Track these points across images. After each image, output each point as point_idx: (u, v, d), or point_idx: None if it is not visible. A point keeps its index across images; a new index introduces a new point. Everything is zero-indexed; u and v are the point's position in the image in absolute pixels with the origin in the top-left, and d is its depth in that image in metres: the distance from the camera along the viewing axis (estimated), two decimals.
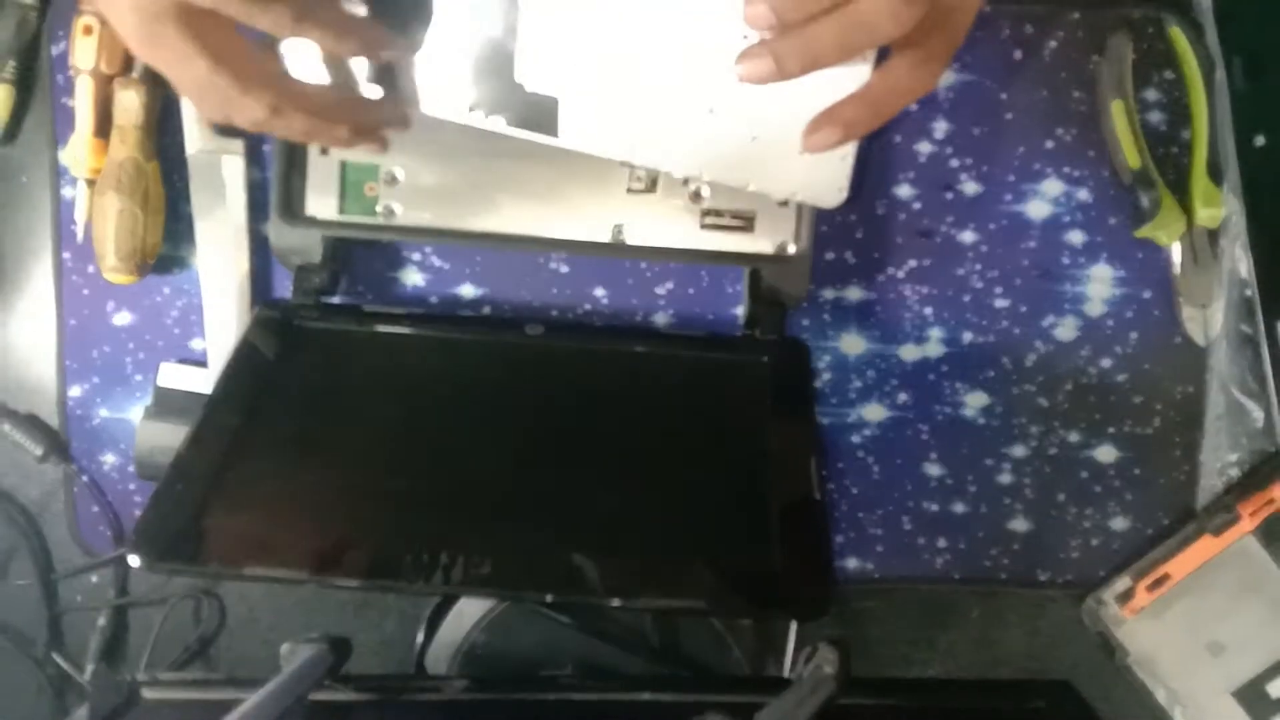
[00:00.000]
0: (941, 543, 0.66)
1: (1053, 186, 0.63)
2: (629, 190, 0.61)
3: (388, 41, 0.47)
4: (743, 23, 0.40)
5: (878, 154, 0.63)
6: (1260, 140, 0.61)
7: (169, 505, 0.51)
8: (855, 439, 0.65)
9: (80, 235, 0.63)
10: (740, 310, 0.64)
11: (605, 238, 0.62)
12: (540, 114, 0.49)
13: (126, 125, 0.60)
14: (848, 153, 0.49)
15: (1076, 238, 0.64)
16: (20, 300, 0.66)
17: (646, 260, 0.64)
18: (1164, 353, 0.65)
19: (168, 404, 0.64)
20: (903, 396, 0.65)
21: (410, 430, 0.57)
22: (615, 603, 0.48)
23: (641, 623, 0.63)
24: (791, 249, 0.62)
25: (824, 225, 0.63)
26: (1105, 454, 0.65)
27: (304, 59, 0.49)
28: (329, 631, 0.54)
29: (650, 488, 0.55)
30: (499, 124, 0.50)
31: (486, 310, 0.65)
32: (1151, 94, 0.63)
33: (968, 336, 0.65)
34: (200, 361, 0.65)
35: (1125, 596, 0.65)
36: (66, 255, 0.64)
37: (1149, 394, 0.65)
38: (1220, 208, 0.62)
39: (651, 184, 0.61)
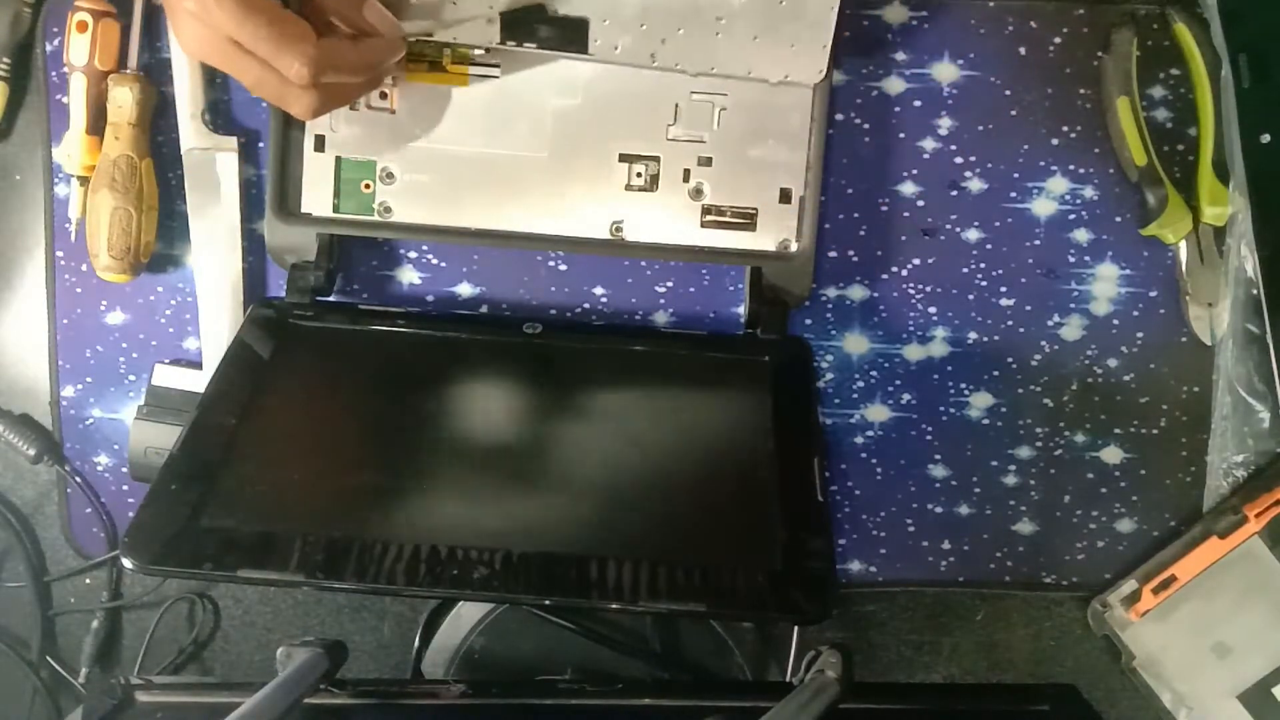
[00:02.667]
0: (946, 545, 0.66)
1: (1058, 184, 0.63)
2: (628, 187, 0.61)
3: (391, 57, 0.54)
4: None
5: (881, 151, 0.63)
6: (1266, 138, 0.60)
7: (162, 507, 0.50)
8: (858, 440, 0.65)
9: (74, 233, 0.62)
10: (741, 309, 0.64)
11: (604, 235, 0.61)
12: (569, 37, 0.57)
13: (120, 122, 0.60)
14: (827, 41, 0.58)
15: (1082, 236, 0.63)
16: (13, 299, 0.65)
17: (646, 258, 0.63)
18: (1170, 352, 0.64)
19: (161, 404, 0.63)
20: (906, 397, 0.65)
21: (407, 431, 0.57)
22: (615, 606, 0.48)
23: (642, 626, 0.63)
24: (793, 247, 0.61)
25: (826, 223, 0.63)
26: (1111, 455, 0.65)
27: None
28: (325, 635, 0.53)
29: (650, 489, 0.54)
30: (531, 47, 0.57)
31: (484, 309, 0.65)
32: (1157, 91, 0.62)
33: (972, 336, 0.64)
34: (194, 361, 0.64)
35: (1131, 599, 0.65)
36: (60, 253, 0.64)
37: (1155, 394, 0.64)
38: (1226, 205, 0.62)
39: (651, 181, 0.61)
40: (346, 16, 0.51)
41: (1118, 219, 0.63)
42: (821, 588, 0.49)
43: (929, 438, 0.65)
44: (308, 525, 0.50)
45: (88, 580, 0.67)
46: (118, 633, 0.68)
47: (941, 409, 0.65)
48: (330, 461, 0.55)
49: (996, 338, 0.64)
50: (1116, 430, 0.65)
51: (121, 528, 0.66)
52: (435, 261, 0.64)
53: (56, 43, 0.62)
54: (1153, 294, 0.64)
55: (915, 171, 0.63)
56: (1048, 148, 0.63)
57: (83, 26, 0.59)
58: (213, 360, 0.62)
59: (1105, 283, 0.64)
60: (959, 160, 0.63)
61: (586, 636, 0.62)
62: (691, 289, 0.64)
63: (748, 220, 0.61)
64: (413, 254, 0.64)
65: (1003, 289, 0.64)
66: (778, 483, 0.54)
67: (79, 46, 0.60)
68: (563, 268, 0.64)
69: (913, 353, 0.64)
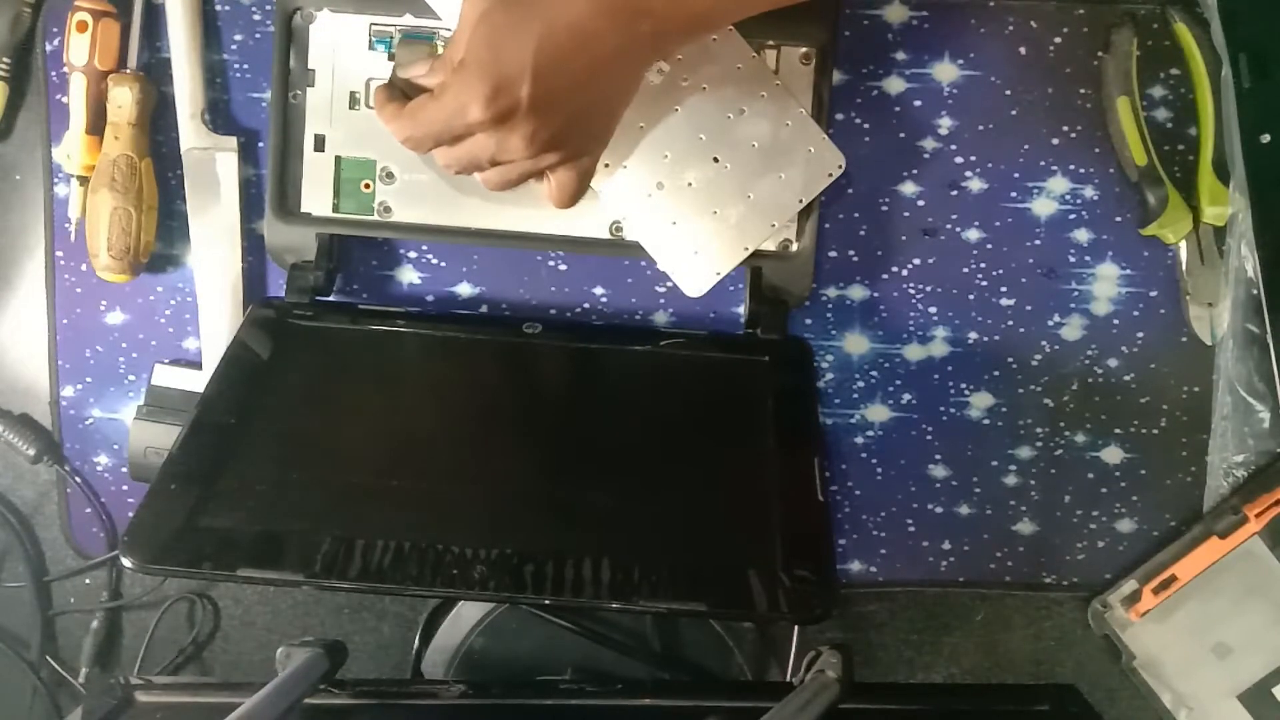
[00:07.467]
0: (946, 545, 0.66)
1: (1058, 184, 0.63)
2: None
3: None
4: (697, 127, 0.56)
5: (881, 151, 0.63)
6: (1266, 138, 0.60)
7: (162, 506, 0.50)
8: (859, 440, 0.65)
9: (73, 233, 0.62)
10: (742, 309, 0.64)
11: (604, 235, 0.61)
12: None
13: (120, 122, 0.60)
14: (723, 273, 0.58)
15: (1082, 236, 0.63)
16: (12, 299, 0.65)
17: (646, 258, 0.63)
18: (1170, 352, 0.64)
19: (161, 404, 0.63)
20: (907, 397, 0.65)
21: (406, 430, 0.56)
22: (615, 606, 0.48)
23: (642, 626, 0.63)
24: (794, 247, 0.61)
25: (827, 223, 0.63)
26: (1111, 455, 0.65)
27: None
28: (325, 635, 0.53)
29: (650, 489, 0.54)
30: None
31: (484, 309, 0.65)
32: (1157, 91, 0.62)
33: (972, 336, 0.64)
34: (194, 361, 0.64)
35: (1131, 599, 0.65)
36: (59, 253, 0.64)
37: (1155, 394, 0.64)
38: (1227, 205, 0.62)
39: None
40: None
41: (1118, 219, 0.63)
42: (822, 588, 0.49)
43: (929, 438, 0.65)
44: (307, 525, 0.50)
45: (88, 580, 0.67)
46: (118, 633, 0.68)
47: (941, 409, 0.65)
48: (330, 461, 0.55)
49: (996, 338, 0.64)
50: (1116, 430, 0.65)
51: (121, 528, 0.66)
52: (435, 261, 0.64)
53: (56, 43, 0.62)
54: (1153, 294, 0.64)
55: (915, 171, 0.63)
56: (1048, 148, 0.63)
57: (83, 26, 0.59)
58: (213, 360, 0.62)
59: (1105, 283, 0.64)
60: (959, 160, 0.63)
61: (586, 636, 0.62)
62: None
63: None
64: (413, 254, 0.64)
65: (1003, 289, 0.64)
66: (778, 483, 0.54)
67: (79, 46, 0.60)
68: (563, 268, 0.64)
69: (913, 353, 0.64)
